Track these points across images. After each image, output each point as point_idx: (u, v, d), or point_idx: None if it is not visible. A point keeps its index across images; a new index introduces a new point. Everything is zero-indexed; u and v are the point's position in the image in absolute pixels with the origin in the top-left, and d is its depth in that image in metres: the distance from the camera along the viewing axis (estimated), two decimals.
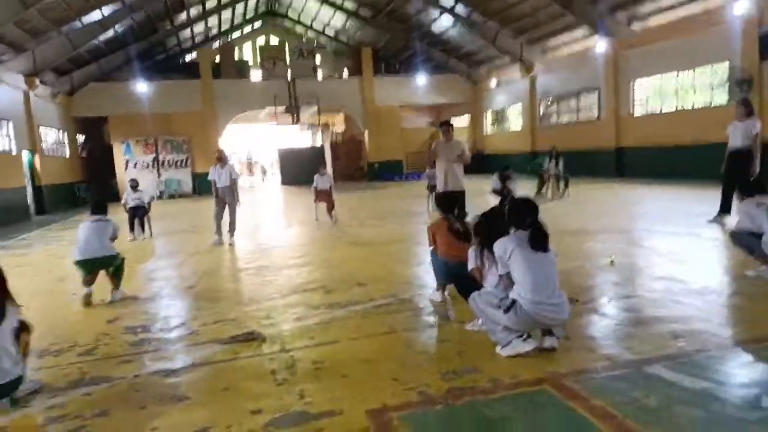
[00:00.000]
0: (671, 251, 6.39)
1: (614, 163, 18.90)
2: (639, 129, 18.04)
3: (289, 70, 26.11)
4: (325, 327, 4.37)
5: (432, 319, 4.43)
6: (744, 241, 5.08)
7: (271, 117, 26.82)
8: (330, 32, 31.95)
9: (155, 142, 24.03)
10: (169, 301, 5.62)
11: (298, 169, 27.46)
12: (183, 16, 24.88)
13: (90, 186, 23.37)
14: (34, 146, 18.43)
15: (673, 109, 17.02)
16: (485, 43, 23.50)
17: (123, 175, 23.73)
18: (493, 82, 26.28)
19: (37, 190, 18.52)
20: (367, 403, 2.94)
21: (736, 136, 7.76)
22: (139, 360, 3.89)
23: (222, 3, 26.01)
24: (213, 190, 9.45)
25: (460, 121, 30.29)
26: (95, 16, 18.75)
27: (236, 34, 32.95)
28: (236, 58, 27.62)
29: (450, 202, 7.72)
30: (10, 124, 16.90)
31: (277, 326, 4.47)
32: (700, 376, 3.00)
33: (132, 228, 10.65)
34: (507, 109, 26.40)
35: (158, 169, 24.06)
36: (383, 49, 29.56)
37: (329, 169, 28.18)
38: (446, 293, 4.81)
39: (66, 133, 22.27)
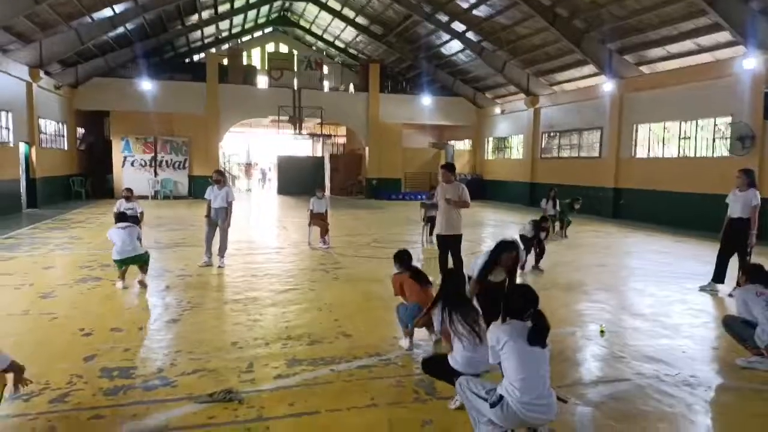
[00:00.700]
0: (663, 323, 6.31)
1: (612, 202, 18.90)
2: (639, 172, 18.07)
3: (295, 80, 26.09)
4: (307, 390, 4.26)
5: (416, 389, 4.32)
6: (737, 329, 5.01)
7: (273, 123, 26.77)
8: (339, 45, 32.03)
9: (155, 142, 23.89)
10: (150, 337, 5.50)
11: (296, 179, 27.43)
12: (194, 17, 24.89)
13: (86, 180, 23.20)
14: (32, 138, 18.27)
15: (675, 155, 17.06)
16: (493, 71, 23.55)
17: (119, 171, 23.63)
18: (497, 109, 26.32)
19: (31, 182, 18.34)
20: None
21: (735, 206, 7.71)
22: (110, 419, 3.76)
23: (235, 8, 26.07)
24: (206, 210, 9.36)
25: (462, 145, 30.36)
26: (107, 12, 18.70)
27: (246, 38, 32.97)
28: (244, 62, 27.55)
29: (444, 243, 7.75)
30: (10, 115, 16.75)
31: (256, 383, 4.35)
32: None
33: None
34: (509, 138, 26.44)
35: (155, 169, 23.90)
36: (391, 66, 29.64)
37: (327, 181, 28.21)
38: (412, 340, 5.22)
39: (66, 126, 22.12)
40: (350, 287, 7.87)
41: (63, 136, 22.07)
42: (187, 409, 3.90)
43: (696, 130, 16.33)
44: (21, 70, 17.32)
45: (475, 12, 20.09)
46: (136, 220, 10.61)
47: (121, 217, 7.93)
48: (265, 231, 14.64)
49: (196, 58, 31.76)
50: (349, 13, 26.74)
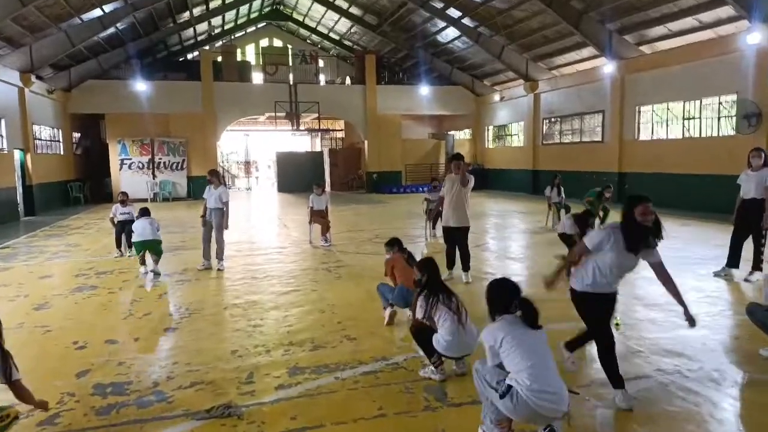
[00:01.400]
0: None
1: (616, 187, 18.56)
2: (643, 154, 17.77)
3: (291, 75, 25.77)
4: (310, 401, 4.04)
5: (426, 396, 4.09)
6: (761, 317, 4.76)
7: (271, 121, 26.51)
8: (334, 37, 31.65)
9: (151, 143, 23.63)
10: (146, 347, 5.28)
11: (295, 175, 27.13)
12: (186, 14, 24.54)
13: (84, 185, 22.98)
14: (27, 144, 18.03)
15: (680, 136, 16.75)
16: (490, 57, 23.19)
17: (117, 175, 23.40)
18: (496, 97, 25.98)
19: (28, 189, 18.12)
20: None
21: (749, 186, 7.42)
22: None
23: (226, 3, 25.69)
24: (202, 210, 9.17)
25: (462, 134, 30.04)
26: (96, 13, 18.40)
27: (239, 34, 32.62)
28: (238, 59, 27.23)
29: (451, 236, 7.57)
30: (3, 122, 16.51)
31: (257, 395, 4.13)
32: None
33: (119, 244, 10.31)
34: (509, 125, 26.11)
35: (153, 171, 23.66)
36: (387, 56, 29.27)
37: (327, 176, 27.95)
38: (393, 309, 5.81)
39: (61, 131, 21.87)
40: (353, 286, 7.64)
41: (59, 141, 21.82)
42: (183, 427, 3.68)
43: (700, 110, 16.01)
44: (12, 75, 17.06)
45: None
46: (132, 224, 10.45)
47: (144, 211, 9.07)
48: (266, 230, 14.41)
49: (189, 56, 31.42)
50: (342, 3, 26.35)
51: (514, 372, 3.17)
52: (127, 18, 19.79)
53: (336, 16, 28.08)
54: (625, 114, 18.39)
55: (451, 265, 7.74)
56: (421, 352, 4.46)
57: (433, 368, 4.32)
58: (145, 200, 22.88)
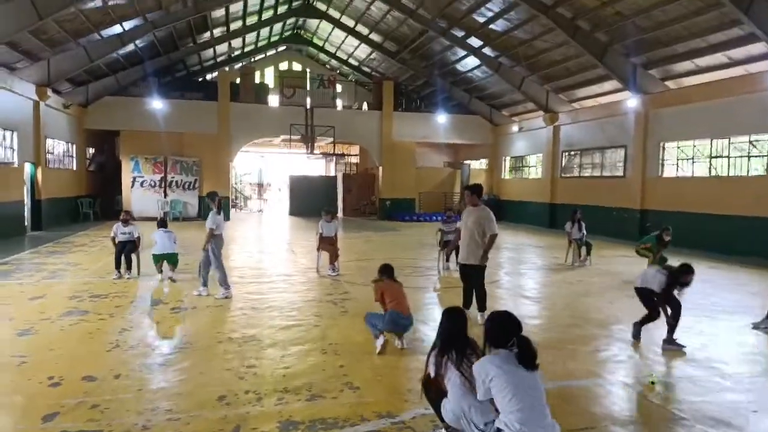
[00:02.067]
0: (720, 371, 5.43)
1: (638, 225, 17.93)
2: (667, 192, 17.13)
3: (308, 98, 25.62)
4: None
5: None
6: None
7: (286, 143, 26.29)
8: (353, 62, 31.63)
9: (164, 162, 23.44)
10: (126, 387, 4.74)
11: (308, 199, 26.79)
12: (206, 35, 24.60)
13: (94, 201, 22.78)
14: (38, 158, 17.87)
15: (706, 174, 16.13)
16: (510, 87, 22.85)
17: (128, 192, 23.19)
18: (514, 127, 25.56)
19: (37, 204, 17.89)
20: None
21: None
22: None
23: (247, 25, 25.77)
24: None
25: (478, 164, 29.60)
26: (116, 29, 18.38)
27: (259, 56, 32.74)
28: (257, 80, 27.18)
29: (465, 273, 7.02)
30: (15, 135, 16.36)
31: None
32: None
33: (118, 265, 9.87)
34: (527, 156, 25.63)
35: (165, 190, 23.42)
36: (405, 83, 29.10)
37: (339, 201, 27.57)
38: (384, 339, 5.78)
39: (75, 146, 21.77)
40: (359, 323, 7.02)
41: (72, 156, 21.71)
42: None
43: (729, 148, 15.40)
44: (28, 88, 16.97)
45: (492, 26, 19.45)
46: (133, 245, 10.07)
47: (162, 222, 10.08)
48: (273, 255, 13.92)
49: (208, 77, 31.51)
50: (362, 29, 26.29)
51: (503, 414, 3.07)
52: (146, 36, 19.78)
53: (356, 42, 28.03)
54: (649, 150, 17.83)
55: (467, 304, 7.18)
56: (432, 410, 3.91)
57: (444, 431, 3.75)
58: (155, 219, 22.58)
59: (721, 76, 15.46)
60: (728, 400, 4.69)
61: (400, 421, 4.15)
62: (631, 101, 17.87)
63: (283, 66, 32.90)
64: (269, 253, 14.37)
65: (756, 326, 7.11)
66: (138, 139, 23.23)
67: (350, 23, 26.42)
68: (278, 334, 6.48)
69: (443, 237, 11.55)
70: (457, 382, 3.46)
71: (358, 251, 14.20)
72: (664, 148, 17.49)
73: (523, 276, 11.41)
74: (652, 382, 5.00)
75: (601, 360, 5.84)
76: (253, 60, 32.03)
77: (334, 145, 26.70)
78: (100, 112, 22.42)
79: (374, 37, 26.43)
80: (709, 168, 16.06)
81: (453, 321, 3.77)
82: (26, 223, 17.19)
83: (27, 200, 17.30)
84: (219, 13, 22.42)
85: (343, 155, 31.25)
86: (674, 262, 7.01)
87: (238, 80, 25.43)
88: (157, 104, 22.51)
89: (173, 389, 4.73)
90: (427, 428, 4.00)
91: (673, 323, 6.11)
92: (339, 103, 28.60)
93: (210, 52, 27.68)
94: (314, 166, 36.61)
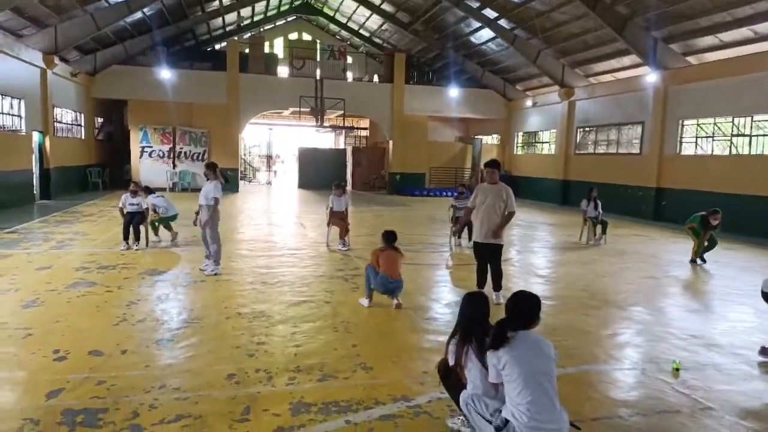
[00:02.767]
0: (746, 358, 5.23)
1: (653, 203, 17.61)
2: (684, 170, 16.73)
3: (318, 70, 25.18)
4: None
5: None
6: None
7: (295, 115, 25.94)
8: (364, 33, 31.01)
9: (173, 132, 23.22)
10: (133, 364, 4.61)
11: (317, 172, 26.56)
12: (215, 3, 24.10)
13: (103, 170, 22.67)
14: (47, 127, 17.69)
15: (726, 153, 15.72)
16: (525, 61, 22.31)
17: (137, 162, 23.05)
18: (528, 102, 25.05)
19: (45, 172, 17.78)
20: None
21: None
22: None
23: None
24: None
25: (489, 139, 29.16)
26: None
27: (268, 26, 32.16)
28: (266, 51, 26.69)
29: (482, 254, 6.81)
30: (22, 103, 16.16)
31: None
32: None
33: (126, 236, 9.74)
34: (541, 132, 25.17)
35: (173, 161, 23.25)
36: (417, 56, 28.53)
37: (349, 175, 27.31)
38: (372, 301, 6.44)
39: (83, 115, 21.57)
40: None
41: (80, 125, 21.53)
42: None
43: (751, 126, 14.95)
44: (35, 56, 16.69)
45: None
46: (141, 216, 9.93)
47: (148, 189, 10.66)
48: (282, 229, 13.76)
49: (217, 46, 31.03)
50: None
51: (512, 404, 3.00)
52: (154, 3, 19.36)
53: (367, 13, 27.39)
54: (667, 127, 17.37)
55: (482, 283, 6.99)
56: (448, 395, 3.74)
57: (464, 419, 3.58)
58: (164, 189, 22.51)
59: (746, 51, 14.94)
60: (757, 390, 4.50)
61: (416, 404, 3.99)
62: (651, 77, 17.36)
63: (293, 36, 32.32)
64: (278, 226, 14.22)
65: None
66: (146, 109, 22.98)
67: None
68: (288, 311, 6.33)
69: (455, 213, 11.33)
70: (477, 371, 3.28)
71: (369, 226, 14.01)
72: (683, 126, 17.04)
73: (537, 254, 11.20)
74: (677, 369, 4.81)
75: (621, 344, 5.66)
76: (262, 30, 31.48)
77: (344, 118, 26.33)
78: (108, 81, 22.13)
79: (386, 7, 25.81)
80: (730, 146, 15.64)
81: (474, 306, 3.50)
82: (35, 192, 17.12)
83: (36, 169, 17.19)
84: None
85: (352, 128, 30.86)
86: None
87: (247, 50, 25.00)
88: (165, 74, 22.17)
89: (181, 366, 4.59)
90: (443, 413, 3.85)
91: None
92: (349, 75, 28.12)
93: (219, 21, 27.17)
94: (324, 139, 36.25)
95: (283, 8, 30.81)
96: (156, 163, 23.12)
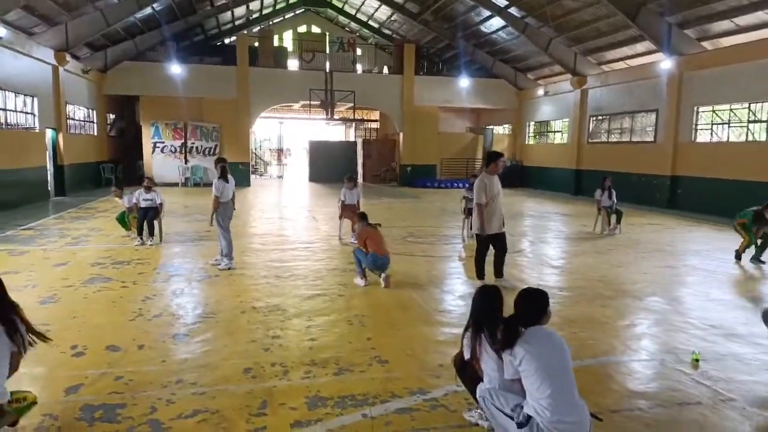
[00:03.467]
0: (767, 348, 5.16)
1: (668, 192, 17.40)
2: (700, 158, 16.49)
3: (327, 62, 25.10)
4: None
5: None
6: None
7: (305, 109, 25.91)
8: (373, 25, 30.85)
9: (184, 127, 23.31)
10: (150, 359, 4.64)
11: (327, 165, 26.54)
12: None
13: (116, 167, 22.83)
14: (60, 124, 17.83)
15: (742, 140, 15.47)
16: (536, 50, 22.07)
17: (149, 158, 23.18)
18: (540, 91, 24.81)
19: (59, 169, 17.94)
20: None
21: None
22: None
23: None
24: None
25: (501, 130, 28.96)
26: None
27: (277, 20, 32.09)
28: (275, 44, 26.66)
29: (493, 244, 6.88)
30: (35, 101, 16.28)
31: None
32: None
33: (140, 231, 9.81)
34: (553, 121, 24.94)
35: (185, 156, 23.35)
36: (427, 46, 28.34)
37: (359, 168, 27.27)
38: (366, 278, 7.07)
39: (95, 111, 21.71)
40: (385, 293, 6.90)
41: (93, 121, 21.68)
42: None
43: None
44: (46, 53, 16.79)
45: None
46: (155, 211, 9.98)
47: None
48: (294, 222, 13.78)
49: (226, 41, 31.04)
50: None
51: (533, 399, 2.97)
52: None
53: (376, 4, 27.25)
54: (682, 114, 17.13)
55: (482, 274, 7.17)
56: (465, 388, 3.72)
57: (481, 412, 3.55)
58: (176, 185, 22.67)
59: (762, 36, 14.66)
60: None
61: (432, 398, 3.98)
62: (665, 63, 17.10)
63: (302, 29, 32.22)
64: (290, 219, 14.24)
65: None
66: (157, 105, 23.07)
67: None
68: (303, 304, 6.34)
69: (467, 204, 11.25)
70: (492, 363, 3.24)
71: (380, 218, 13.80)
72: (698, 112, 16.79)
73: (550, 245, 11.10)
74: (696, 359, 4.74)
75: (638, 334, 5.60)
76: (271, 23, 31.44)
77: (354, 111, 26.26)
78: (119, 78, 22.23)
79: None
80: (746, 133, 15.39)
81: (487, 300, 3.42)
82: (50, 188, 17.29)
83: (50, 166, 17.35)
84: None
85: (363, 121, 30.81)
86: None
87: (256, 44, 24.98)
88: (175, 69, 22.22)
89: (198, 361, 4.61)
90: (460, 407, 3.82)
91: None
92: (359, 67, 28.00)
93: (228, 15, 27.19)
94: (334, 131, 36.20)
95: (291, 1, 30.72)
96: (168, 159, 23.24)
